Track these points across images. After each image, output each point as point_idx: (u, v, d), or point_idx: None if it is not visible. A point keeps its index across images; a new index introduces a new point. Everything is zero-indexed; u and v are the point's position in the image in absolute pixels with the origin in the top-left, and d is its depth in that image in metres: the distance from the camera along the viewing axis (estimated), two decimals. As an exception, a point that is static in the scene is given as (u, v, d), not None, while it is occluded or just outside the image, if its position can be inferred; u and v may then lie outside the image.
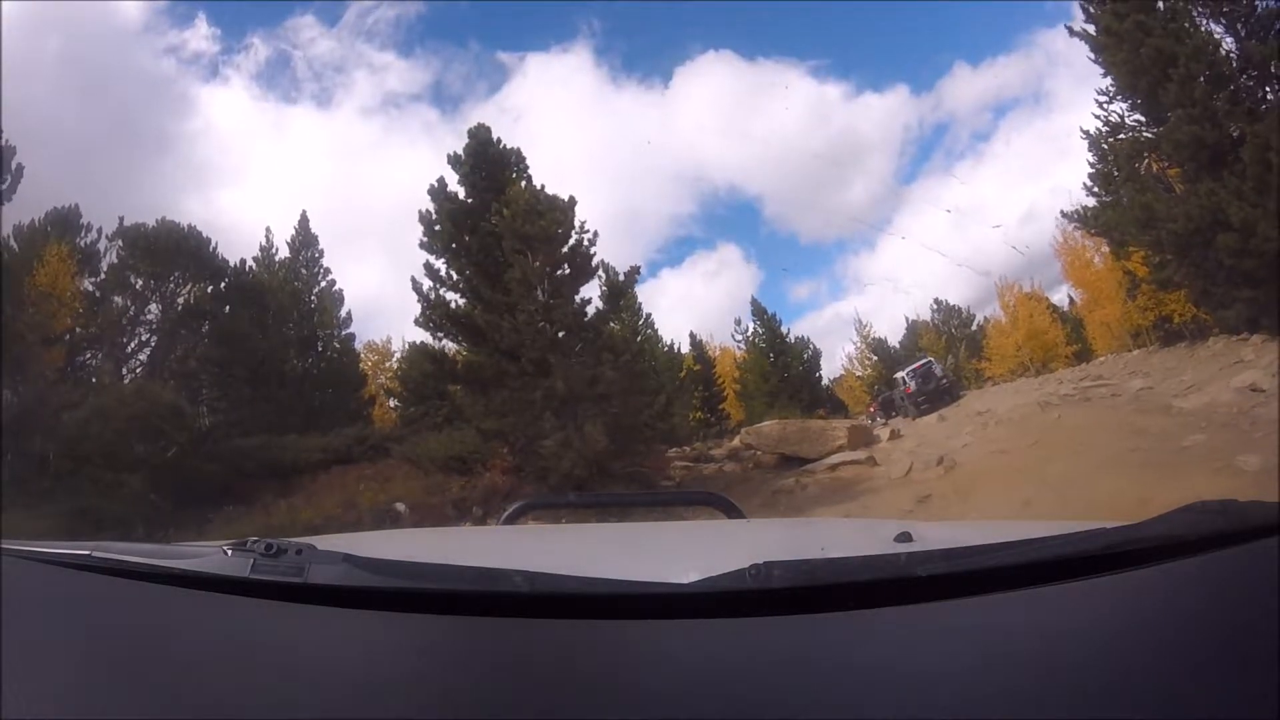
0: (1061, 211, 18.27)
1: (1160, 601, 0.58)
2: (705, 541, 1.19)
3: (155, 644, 0.60)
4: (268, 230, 21.88)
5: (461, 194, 12.65)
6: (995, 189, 46.89)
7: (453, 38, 59.68)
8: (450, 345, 12.20)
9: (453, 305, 11.68)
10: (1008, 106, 60.37)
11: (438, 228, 12.05)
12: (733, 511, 1.38)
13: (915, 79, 58.04)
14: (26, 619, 0.62)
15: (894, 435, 12.89)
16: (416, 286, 11.90)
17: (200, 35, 56.56)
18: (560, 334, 10.44)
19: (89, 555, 0.72)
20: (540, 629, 0.58)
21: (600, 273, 11.63)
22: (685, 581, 0.59)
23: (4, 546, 0.76)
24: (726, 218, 52.55)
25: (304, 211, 22.83)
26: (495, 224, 10.52)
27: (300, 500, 12.02)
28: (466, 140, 13.18)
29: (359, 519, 9.70)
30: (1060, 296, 27.98)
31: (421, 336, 12.19)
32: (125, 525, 9.73)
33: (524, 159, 13.43)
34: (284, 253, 21.65)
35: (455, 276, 11.50)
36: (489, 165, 12.88)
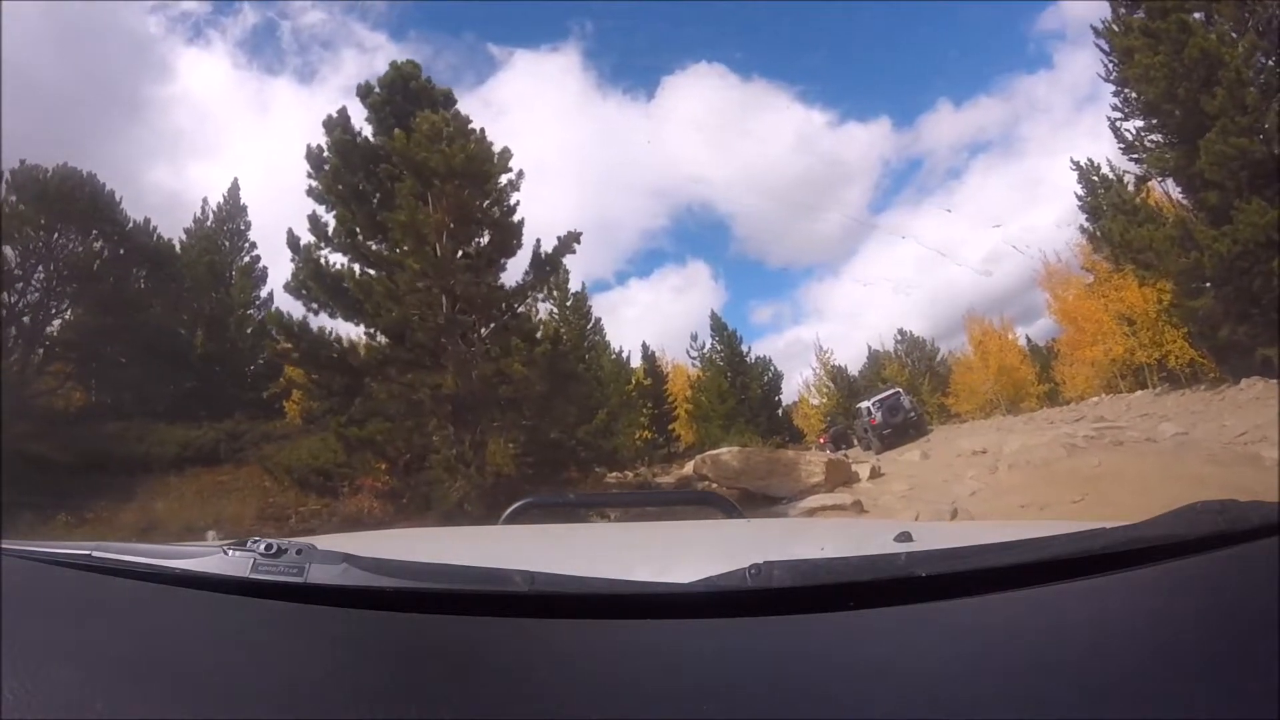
0: (1081, 226, 17.09)
1: (1160, 601, 0.58)
2: (705, 541, 1.16)
3: (155, 644, 0.59)
4: (204, 201, 19.71)
5: (369, 132, 9.86)
6: (963, 227, 47.02)
7: (447, 25, 58.05)
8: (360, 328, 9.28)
9: (336, 267, 8.86)
10: (981, 147, 61.57)
11: (326, 167, 9.24)
12: (732, 511, 1.36)
13: (899, 112, 58.69)
14: (26, 619, 0.61)
15: (875, 474, 10.66)
16: (293, 241, 9.09)
17: (192, -7, 52.66)
18: (460, 312, 7.67)
19: (89, 555, 0.72)
20: (540, 629, 0.57)
21: (531, 245, 9.00)
22: (685, 581, 0.58)
23: (4, 547, 0.76)
24: (698, 234, 51.59)
25: (235, 179, 20.27)
26: (389, 155, 7.75)
27: (101, 510, 8.87)
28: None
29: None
30: (1020, 336, 27.16)
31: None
32: None
33: (455, 101, 10.74)
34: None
35: (339, 229, 8.66)
36: (408, 100, 10.09)
